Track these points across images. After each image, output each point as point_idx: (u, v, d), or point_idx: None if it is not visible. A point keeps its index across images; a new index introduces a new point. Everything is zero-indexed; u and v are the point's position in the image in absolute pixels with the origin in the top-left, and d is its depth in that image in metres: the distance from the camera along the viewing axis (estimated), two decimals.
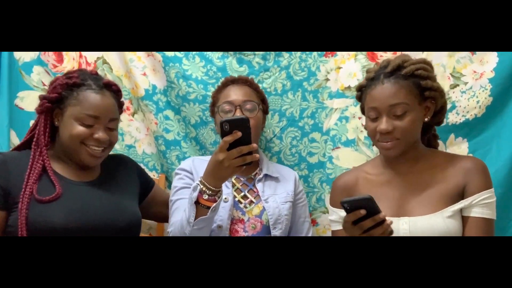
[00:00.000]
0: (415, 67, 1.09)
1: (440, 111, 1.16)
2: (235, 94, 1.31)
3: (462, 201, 1.06)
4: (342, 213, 1.16)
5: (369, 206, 0.92)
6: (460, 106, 1.41)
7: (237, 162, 1.00)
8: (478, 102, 1.39)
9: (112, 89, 1.18)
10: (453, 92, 1.41)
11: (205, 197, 1.05)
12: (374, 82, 1.11)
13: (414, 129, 1.10)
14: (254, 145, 1.01)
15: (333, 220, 1.21)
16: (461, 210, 1.07)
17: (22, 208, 1.02)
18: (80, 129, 1.10)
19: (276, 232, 1.23)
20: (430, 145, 1.23)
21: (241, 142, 0.99)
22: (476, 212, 1.05)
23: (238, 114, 1.26)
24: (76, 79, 1.13)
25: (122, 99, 1.24)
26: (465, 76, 1.41)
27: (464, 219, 1.07)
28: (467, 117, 1.41)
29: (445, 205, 1.06)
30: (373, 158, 1.27)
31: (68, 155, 1.14)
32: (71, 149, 1.12)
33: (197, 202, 1.06)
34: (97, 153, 1.12)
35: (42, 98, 1.14)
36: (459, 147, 1.42)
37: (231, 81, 1.36)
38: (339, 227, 1.17)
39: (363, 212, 0.91)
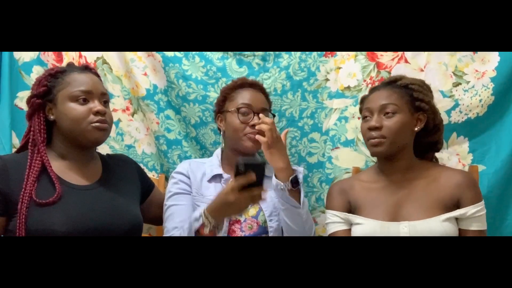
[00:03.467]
0: (410, 81, 1.19)
1: (434, 130, 1.21)
2: (255, 98, 1.30)
3: (457, 210, 1.11)
4: (342, 214, 1.20)
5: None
6: (463, 105, 1.40)
7: (246, 203, 1.02)
8: (480, 100, 1.39)
9: (92, 71, 1.20)
10: (456, 90, 1.41)
11: (206, 231, 1.06)
12: (374, 90, 1.22)
13: (401, 132, 1.15)
14: (264, 190, 1.00)
15: (332, 222, 1.22)
16: (456, 219, 1.12)
17: (22, 210, 1.00)
18: (79, 108, 1.10)
19: (272, 224, 1.23)
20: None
21: (253, 184, 0.97)
22: (473, 226, 1.11)
23: (256, 119, 1.24)
24: (57, 68, 1.17)
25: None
26: (467, 75, 1.41)
27: (462, 232, 1.12)
28: (469, 115, 1.40)
29: (440, 211, 1.11)
30: (367, 168, 1.31)
31: (73, 143, 1.12)
32: (77, 133, 1.10)
33: (197, 231, 1.08)
34: (102, 126, 1.11)
35: (30, 98, 1.14)
36: (460, 146, 1.42)
37: (249, 84, 1.34)
38: (336, 228, 1.21)
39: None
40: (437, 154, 1.28)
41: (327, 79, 1.51)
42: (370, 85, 1.46)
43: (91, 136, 1.11)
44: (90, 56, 1.58)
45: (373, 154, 1.20)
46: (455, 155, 1.43)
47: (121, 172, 1.23)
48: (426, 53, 1.43)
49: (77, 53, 1.58)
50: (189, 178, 1.29)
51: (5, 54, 1.52)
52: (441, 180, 1.15)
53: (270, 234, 1.23)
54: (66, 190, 1.07)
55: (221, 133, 1.36)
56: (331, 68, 1.51)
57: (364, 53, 1.48)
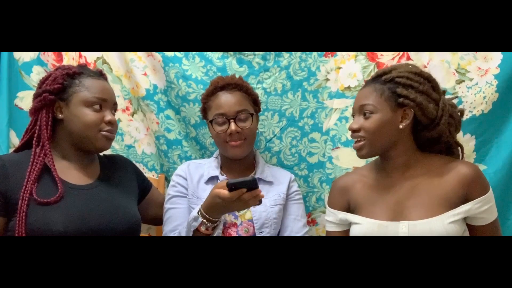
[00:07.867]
0: (397, 74, 1.10)
1: (433, 125, 1.12)
2: (227, 104, 1.26)
3: (462, 205, 1.05)
4: (340, 214, 1.19)
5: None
6: (466, 102, 1.39)
7: (239, 208, 1.06)
8: (484, 97, 1.37)
9: (105, 77, 1.23)
10: (459, 88, 1.40)
11: (203, 228, 1.10)
12: (361, 89, 1.17)
13: (382, 131, 1.09)
14: (259, 191, 1.02)
15: (329, 221, 1.22)
16: (465, 218, 1.07)
17: (22, 208, 1.00)
18: (93, 115, 1.12)
19: (264, 235, 1.22)
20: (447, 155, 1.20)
21: (247, 188, 1.01)
22: (485, 220, 1.07)
23: (233, 127, 1.23)
24: (75, 69, 1.17)
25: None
26: (470, 72, 1.39)
27: (474, 228, 1.09)
28: (473, 112, 1.39)
29: (444, 209, 1.05)
30: (370, 162, 1.26)
31: (78, 145, 1.13)
32: (85, 138, 1.11)
33: (196, 230, 1.10)
34: (111, 136, 1.15)
35: (41, 92, 1.12)
36: (467, 144, 1.40)
37: (220, 88, 1.29)
38: (334, 228, 1.21)
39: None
40: None
41: (327, 79, 1.51)
42: None
43: (98, 144, 1.13)
44: (90, 56, 1.58)
45: (360, 157, 1.14)
46: None
47: (119, 172, 1.24)
48: (427, 52, 1.42)
49: (77, 53, 1.58)
50: (186, 179, 1.29)
51: (5, 54, 1.52)
52: (444, 174, 1.09)
53: None
54: (65, 190, 1.07)
55: None
56: (332, 68, 1.51)
57: (364, 53, 1.47)
